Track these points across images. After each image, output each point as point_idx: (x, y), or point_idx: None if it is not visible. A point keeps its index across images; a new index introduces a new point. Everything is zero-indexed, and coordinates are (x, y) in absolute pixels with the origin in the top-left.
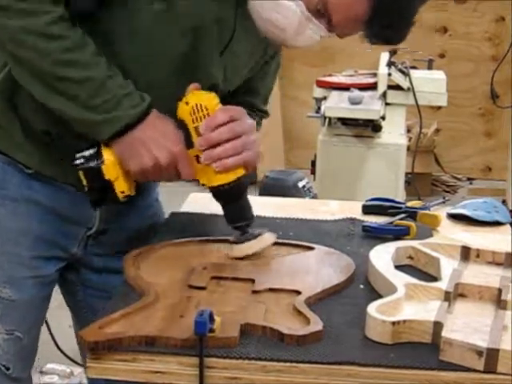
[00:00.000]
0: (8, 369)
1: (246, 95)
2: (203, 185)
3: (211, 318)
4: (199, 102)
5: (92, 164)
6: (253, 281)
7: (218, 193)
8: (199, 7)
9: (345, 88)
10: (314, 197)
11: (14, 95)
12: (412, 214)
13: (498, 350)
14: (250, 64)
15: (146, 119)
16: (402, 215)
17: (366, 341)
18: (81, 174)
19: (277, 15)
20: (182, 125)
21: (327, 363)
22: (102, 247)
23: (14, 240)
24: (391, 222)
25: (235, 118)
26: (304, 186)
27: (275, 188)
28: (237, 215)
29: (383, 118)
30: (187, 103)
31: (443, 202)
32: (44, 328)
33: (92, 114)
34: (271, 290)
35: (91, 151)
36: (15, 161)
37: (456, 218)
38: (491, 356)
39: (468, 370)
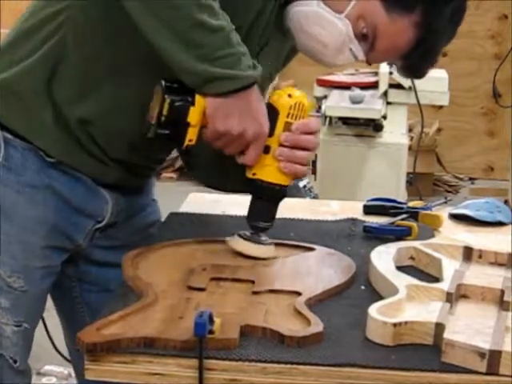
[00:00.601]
0: (15, 361)
1: None
2: (254, 174)
3: (211, 320)
4: (302, 101)
5: (183, 98)
6: (253, 282)
7: (263, 189)
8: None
9: (346, 87)
10: (315, 197)
11: (52, 78)
12: (413, 215)
13: (500, 352)
14: (271, 70)
15: (254, 86)
16: (404, 215)
17: (366, 342)
18: (166, 101)
19: (321, 30)
20: (272, 112)
21: (328, 365)
22: (108, 240)
23: (31, 229)
24: (392, 223)
25: (318, 132)
26: (305, 186)
27: None
28: (262, 215)
29: (384, 117)
30: (290, 96)
31: (445, 202)
32: (41, 329)
33: (211, 67)
34: (271, 291)
35: (185, 86)
36: (36, 147)
37: (458, 218)
38: (493, 358)
39: (470, 371)
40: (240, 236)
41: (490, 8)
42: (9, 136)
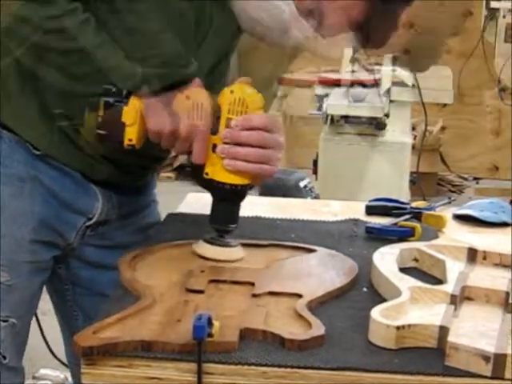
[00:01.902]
0: (4, 358)
1: None
2: (206, 174)
3: (210, 323)
4: (243, 96)
5: (116, 99)
6: (252, 284)
7: (217, 189)
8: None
9: (348, 85)
10: (316, 197)
11: (36, 73)
12: (417, 215)
13: (505, 356)
14: (215, 56)
15: (186, 84)
16: (407, 216)
17: (369, 346)
18: (101, 103)
19: (263, 13)
20: (215, 109)
21: (330, 369)
22: (101, 239)
23: (18, 222)
24: (395, 223)
25: (270, 129)
26: (305, 186)
27: (276, 188)
28: (224, 218)
29: (387, 115)
30: (232, 92)
31: (449, 203)
32: (37, 333)
33: (138, 66)
34: (271, 293)
35: (120, 90)
36: (24, 140)
37: (462, 218)
38: (499, 361)
39: (475, 375)
40: (205, 240)
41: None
42: None
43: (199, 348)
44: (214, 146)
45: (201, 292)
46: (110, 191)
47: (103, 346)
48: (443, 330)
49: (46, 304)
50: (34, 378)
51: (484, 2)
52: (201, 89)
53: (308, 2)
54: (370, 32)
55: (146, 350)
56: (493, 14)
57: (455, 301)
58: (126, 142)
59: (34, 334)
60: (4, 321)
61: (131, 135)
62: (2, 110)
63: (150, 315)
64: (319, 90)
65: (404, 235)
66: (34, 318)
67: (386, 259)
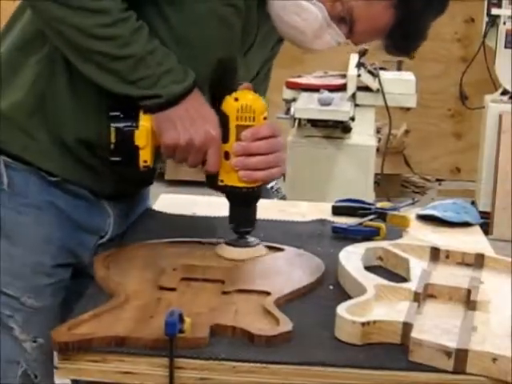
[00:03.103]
0: (36, 377)
1: None
2: (221, 181)
3: (181, 319)
4: (249, 102)
5: (126, 124)
6: (223, 282)
7: (234, 194)
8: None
9: (314, 89)
10: (283, 198)
11: (46, 99)
12: (382, 215)
13: (467, 351)
14: (260, 63)
15: (188, 96)
16: (372, 216)
17: (335, 341)
18: (112, 130)
19: (297, 18)
20: (223, 118)
21: (297, 363)
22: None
23: (39, 249)
24: (361, 223)
25: (275, 135)
26: (272, 187)
27: None
28: (242, 220)
29: (353, 119)
30: (237, 99)
31: (413, 203)
32: None
33: (132, 88)
34: (241, 290)
35: (129, 111)
36: (38, 169)
37: (425, 219)
38: (460, 357)
39: (437, 370)
40: (227, 243)
41: (457, 11)
42: (8, 160)
43: (171, 343)
44: (226, 154)
45: (173, 290)
46: (120, 204)
47: (78, 341)
48: (407, 327)
49: None
50: None
51: (485, 9)
52: (201, 98)
53: (340, 9)
54: (398, 41)
55: (120, 345)
56: (494, 20)
57: (418, 298)
58: (142, 164)
59: None
60: (33, 341)
61: (146, 157)
62: (13, 142)
63: (123, 312)
64: (287, 94)
65: (369, 235)
66: None
67: (352, 258)
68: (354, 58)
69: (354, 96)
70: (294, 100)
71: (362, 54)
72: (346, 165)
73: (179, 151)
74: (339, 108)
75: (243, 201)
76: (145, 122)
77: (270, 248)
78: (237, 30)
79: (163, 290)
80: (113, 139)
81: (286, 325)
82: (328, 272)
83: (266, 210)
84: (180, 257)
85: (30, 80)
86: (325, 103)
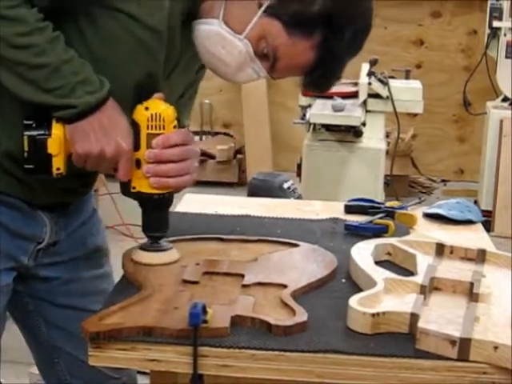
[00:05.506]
0: None
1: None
2: (133, 188)
3: (204, 310)
4: (159, 111)
5: (39, 133)
6: (242, 276)
7: (146, 200)
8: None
9: (328, 96)
10: (299, 197)
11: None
12: (390, 214)
13: (470, 340)
14: (184, 85)
15: (102, 107)
16: (382, 214)
17: (347, 331)
18: (25, 138)
19: (222, 50)
20: (134, 126)
21: (312, 351)
22: (51, 256)
23: None
24: (371, 221)
25: (186, 143)
26: (289, 188)
27: (262, 189)
28: (155, 225)
29: (364, 124)
30: (147, 108)
31: (419, 203)
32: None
33: (50, 97)
34: (259, 284)
35: (42, 120)
36: None
37: (431, 217)
38: (464, 345)
39: (442, 358)
40: (141, 248)
41: (460, 24)
42: None
43: (195, 333)
44: (137, 161)
45: (196, 283)
46: (56, 214)
47: (108, 331)
48: (414, 317)
49: None
50: (30, 373)
51: (487, 22)
52: (115, 109)
53: (264, 45)
54: (316, 79)
55: (147, 334)
56: (495, 32)
57: (425, 291)
58: (55, 171)
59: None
60: None
61: (59, 164)
62: None
63: (150, 304)
64: (302, 101)
65: (379, 232)
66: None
67: (363, 253)
68: (366, 67)
69: (365, 103)
70: (310, 106)
71: (373, 63)
72: (358, 167)
73: (90, 161)
74: (351, 114)
75: (155, 207)
76: (57, 130)
77: (287, 244)
78: (157, 53)
79: (187, 284)
80: (26, 147)
81: (301, 315)
82: (340, 266)
83: (282, 208)
84: (202, 252)
85: None
86: (338, 109)
